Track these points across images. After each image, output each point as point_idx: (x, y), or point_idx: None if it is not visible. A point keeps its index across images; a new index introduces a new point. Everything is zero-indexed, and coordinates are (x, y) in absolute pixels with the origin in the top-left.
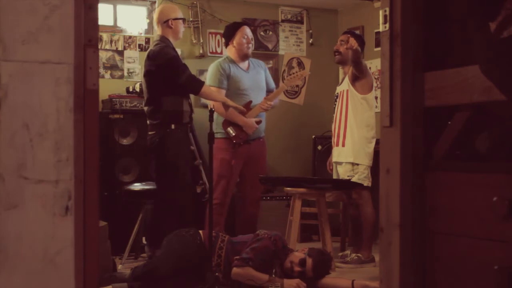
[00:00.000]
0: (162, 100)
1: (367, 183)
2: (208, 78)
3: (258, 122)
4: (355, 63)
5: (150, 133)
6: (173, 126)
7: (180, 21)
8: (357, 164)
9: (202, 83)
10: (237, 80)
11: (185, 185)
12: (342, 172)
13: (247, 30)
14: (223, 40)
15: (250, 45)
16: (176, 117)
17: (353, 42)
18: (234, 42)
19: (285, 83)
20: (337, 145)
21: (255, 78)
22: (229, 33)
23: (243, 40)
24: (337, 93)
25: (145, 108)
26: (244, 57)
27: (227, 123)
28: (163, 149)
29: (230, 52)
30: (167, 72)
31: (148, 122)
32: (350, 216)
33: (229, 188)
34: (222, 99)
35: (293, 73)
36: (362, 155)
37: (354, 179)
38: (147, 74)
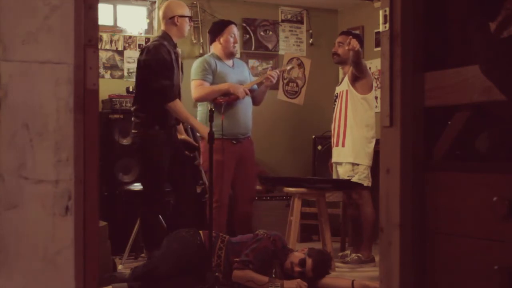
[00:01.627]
0: (148, 100)
1: (367, 183)
2: (192, 72)
3: (251, 91)
4: (355, 64)
5: (133, 131)
6: (157, 128)
7: (186, 19)
8: (357, 164)
9: (172, 99)
10: (224, 75)
11: (168, 186)
12: (342, 172)
13: (235, 29)
14: (209, 36)
15: (236, 44)
16: (160, 119)
17: (355, 43)
18: (221, 39)
19: (268, 73)
20: (337, 145)
21: (241, 75)
22: (217, 31)
23: (230, 38)
24: (337, 93)
25: (132, 108)
26: (229, 55)
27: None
28: (144, 151)
29: (216, 49)
30: (149, 72)
31: (132, 119)
32: (350, 216)
33: (225, 189)
34: (187, 117)
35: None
36: (362, 155)
37: (354, 179)
38: (136, 71)
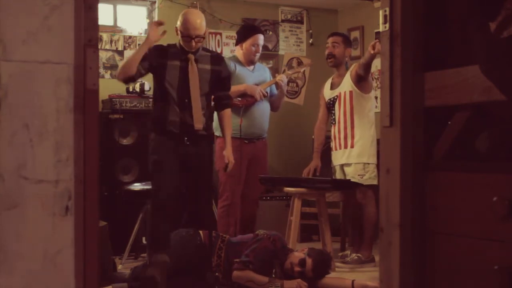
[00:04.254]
0: (154, 104)
1: (376, 181)
2: None
3: (269, 95)
4: (368, 65)
5: None
6: (152, 135)
7: (178, 31)
8: (368, 163)
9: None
10: (242, 77)
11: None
12: (352, 172)
13: (260, 39)
14: (236, 37)
15: (258, 54)
16: (158, 125)
17: (379, 46)
18: (244, 46)
19: (285, 73)
20: (345, 147)
21: (260, 78)
22: (242, 36)
23: (252, 48)
24: (335, 96)
25: None
26: (249, 62)
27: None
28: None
29: (238, 52)
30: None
31: None
32: (350, 216)
33: (238, 188)
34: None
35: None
36: (372, 154)
37: (365, 178)
38: None
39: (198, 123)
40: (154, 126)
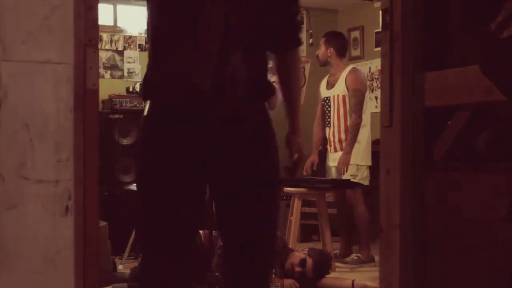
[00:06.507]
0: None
1: (367, 182)
2: None
3: None
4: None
5: None
6: (146, 110)
7: None
8: (361, 165)
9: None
10: None
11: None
12: (345, 174)
13: None
14: None
15: None
16: (152, 90)
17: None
18: None
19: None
20: (341, 150)
21: None
22: None
23: None
24: (328, 97)
25: None
26: None
27: None
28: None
29: None
30: None
31: None
32: (346, 216)
33: None
34: None
35: None
36: (365, 155)
37: (357, 179)
38: None
39: (205, 79)
40: (145, 89)
